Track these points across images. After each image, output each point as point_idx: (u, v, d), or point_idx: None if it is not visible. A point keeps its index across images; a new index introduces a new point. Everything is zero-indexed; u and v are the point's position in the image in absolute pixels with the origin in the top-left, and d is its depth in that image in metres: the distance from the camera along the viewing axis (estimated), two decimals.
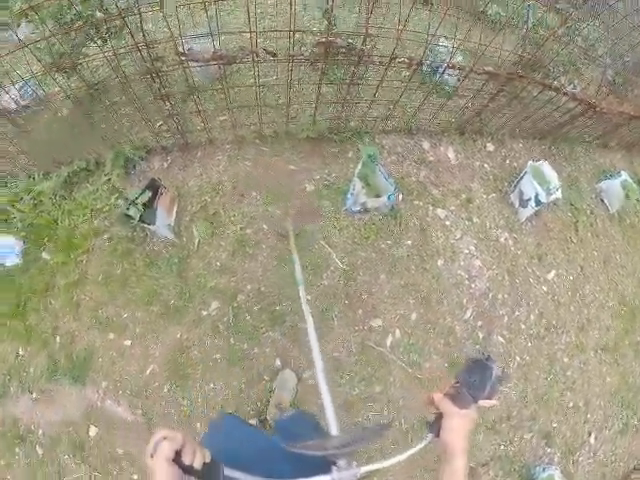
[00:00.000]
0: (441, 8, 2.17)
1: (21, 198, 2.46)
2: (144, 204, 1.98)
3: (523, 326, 2.27)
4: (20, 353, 2.33)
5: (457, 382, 0.71)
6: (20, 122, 2.24)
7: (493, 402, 0.69)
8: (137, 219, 1.98)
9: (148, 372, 2.10)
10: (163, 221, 2.07)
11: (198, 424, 2.03)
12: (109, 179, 2.32)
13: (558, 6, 2.20)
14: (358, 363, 2.01)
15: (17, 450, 2.29)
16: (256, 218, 2.12)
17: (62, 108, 2.42)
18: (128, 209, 2.00)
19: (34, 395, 2.28)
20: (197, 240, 2.12)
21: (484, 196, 2.22)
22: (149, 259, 2.16)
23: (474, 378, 0.69)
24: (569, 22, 1.92)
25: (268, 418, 1.90)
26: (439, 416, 0.70)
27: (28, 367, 2.31)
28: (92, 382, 2.18)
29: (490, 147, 2.28)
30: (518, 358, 2.26)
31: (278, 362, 2.00)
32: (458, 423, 0.67)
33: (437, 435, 0.70)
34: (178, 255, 2.12)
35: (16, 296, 2.36)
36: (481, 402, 0.69)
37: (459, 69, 2.00)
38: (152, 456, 0.58)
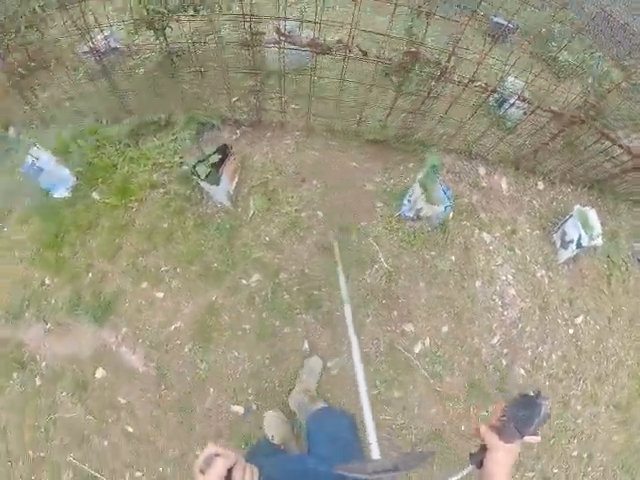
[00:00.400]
0: (517, 49, 2.33)
1: (85, 137, 2.53)
2: (212, 164, 2.04)
3: (545, 364, 2.29)
4: (46, 282, 2.34)
5: (504, 416, 0.71)
6: (105, 65, 2.33)
7: (537, 438, 0.69)
8: (202, 177, 2.04)
9: (173, 328, 2.10)
10: (224, 186, 2.12)
11: (211, 389, 2.01)
12: (176, 138, 2.40)
13: (625, 62, 2.36)
14: (384, 363, 2.01)
15: (14, 375, 2.26)
16: (312, 204, 2.18)
17: (146, 63, 2.54)
18: (195, 166, 2.06)
19: (48, 325, 2.27)
20: (252, 212, 2.17)
21: (528, 230, 2.30)
22: (200, 220, 2.20)
23: (523, 413, 0.68)
24: (633, 79, 2.06)
25: (292, 407, 1.87)
26: (482, 448, 0.71)
27: (50, 297, 2.31)
28: (112, 325, 2.17)
29: (541, 186, 2.38)
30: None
31: (306, 345, 2.00)
32: (502, 457, 0.67)
33: (478, 467, 0.70)
34: (230, 222, 2.17)
35: (56, 227, 2.39)
36: (526, 437, 0.68)
37: (528, 103, 2.14)
38: (202, 471, 0.58)
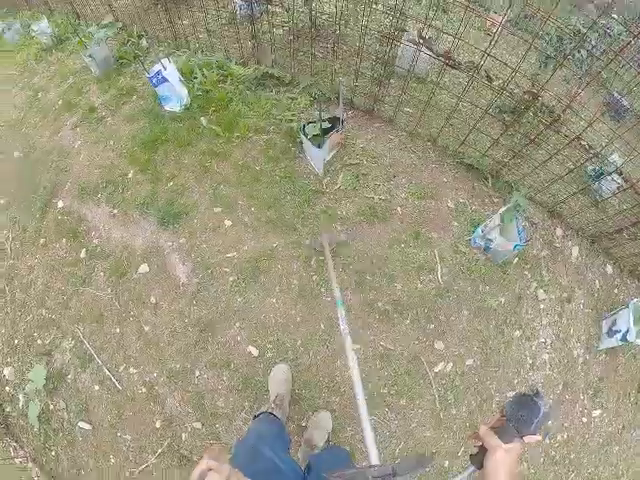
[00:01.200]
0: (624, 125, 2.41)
1: (212, 69, 2.73)
2: (321, 129, 2.18)
3: (547, 440, 2.24)
4: (128, 176, 2.51)
5: (503, 415, 0.71)
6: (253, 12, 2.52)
7: (537, 437, 0.68)
8: (309, 137, 2.18)
9: (227, 256, 2.20)
10: (323, 153, 2.25)
11: (237, 324, 2.08)
12: (294, 97, 2.57)
13: None
14: (403, 367, 2.03)
15: (63, 240, 2.42)
16: (395, 199, 2.28)
17: (290, 23, 2.72)
18: (305, 125, 2.21)
19: (115, 211, 2.43)
20: (338, 185, 2.28)
21: (581, 305, 2.31)
22: (290, 174, 2.33)
23: (522, 413, 0.68)
24: None
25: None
26: (482, 448, 0.70)
27: (127, 189, 2.47)
28: (173, 232, 2.30)
29: (609, 269, 2.39)
30: (525, 465, 2.22)
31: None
32: (503, 457, 0.67)
33: (479, 468, 0.70)
34: (315, 186, 2.29)
35: (157, 133, 2.58)
36: (526, 437, 0.68)
37: (624, 180, 2.19)
38: None
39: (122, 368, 2.15)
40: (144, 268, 2.24)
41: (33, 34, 3.62)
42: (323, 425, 1.86)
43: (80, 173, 2.63)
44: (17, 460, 2.27)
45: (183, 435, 1.96)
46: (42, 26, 3.54)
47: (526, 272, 2.28)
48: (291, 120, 2.46)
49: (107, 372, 2.15)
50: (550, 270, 2.30)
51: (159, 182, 2.42)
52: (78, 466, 2.09)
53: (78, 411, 2.13)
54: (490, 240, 2.14)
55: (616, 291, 2.37)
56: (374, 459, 0.83)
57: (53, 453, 2.15)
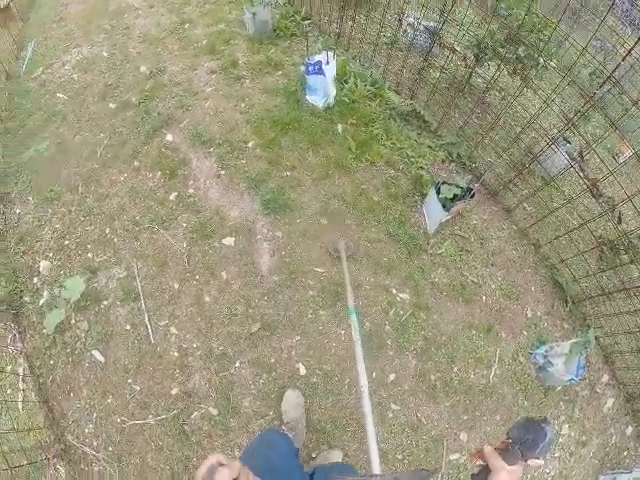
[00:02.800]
0: None
1: (365, 81, 2.73)
2: (454, 194, 2.17)
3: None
4: (248, 145, 2.50)
5: (509, 438, 0.71)
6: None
7: (540, 462, 0.68)
8: (439, 194, 2.16)
9: (317, 270, 2.16)
10: (442, 214, 2.23)
11: (297, 337, 2.02)
12: (435, 147, 2.58)
13: None
14: (423, 443, 1.95)
15: (159, 174, 2.33)
16: (485, 287, 2.25)
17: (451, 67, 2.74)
18: (441, 183, 2.20)
19: (222, 172, 2.45)
20: (441, 251, 2.26)
21: (592, 454, 2.18)
22: (402, 219, 2.32)
23: (528, 437, 0.68)
24: None
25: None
26: (484, 469, 0.71)
27: (242, 157, 2.49)
28: (273, 222, 2.30)
29: (629, 431, 2.32)
30: None
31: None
32: (506, 478, 0.67)
33: None
34: (421, 242, 2.26)
35: (291, 119, 2.56)
36: (530, 461, 0.68)
37: None
38: None
39: (163, 323, 2.06)
40: (229, 241, 2.18)
41: None
42: (333, 461, 1.80)
43: (201, 118, 2.59)
44: (10, 348, 2.17)
45: (195, 413, 1.87)
46: None
47: (562, 403, 2.25)
48: (422, 168, 2.45)
49: (146, 319, 2.06)
50: (582, 410, 2.28)
51: (277, 166, 2.38)
52: (70, 387, 1.99)
53: (98, 339, 2.04)
54: (550, 363, 2.12)
55: (625, 453, 2.35)
56: (376, 469, 0.84)
57: (51, 362, 2.06)
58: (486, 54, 2.46)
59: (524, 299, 2.34)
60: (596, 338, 2.35)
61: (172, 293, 2.11)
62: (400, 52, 3.00)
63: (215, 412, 1.87)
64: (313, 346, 2.01)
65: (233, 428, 1.84)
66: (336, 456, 1.83)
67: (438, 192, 2.19)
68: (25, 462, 1.83)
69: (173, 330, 2.05)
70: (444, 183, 2.21)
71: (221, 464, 0.58)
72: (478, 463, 0.73)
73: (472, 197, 2.25)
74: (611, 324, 2.32)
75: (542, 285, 2.41)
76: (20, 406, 2.03)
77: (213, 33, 3.11)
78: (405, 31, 2.97)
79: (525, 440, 0.68)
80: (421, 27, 2.85)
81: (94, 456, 1.85)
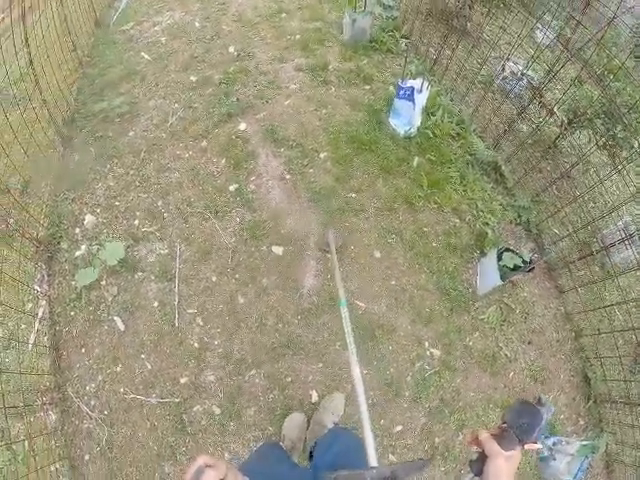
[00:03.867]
0: None
1: (452, 119, 2.60)
2: (515, 264, 2.03)
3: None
4: (320, 155, 2.43)
5: (504, 423, 0.69)
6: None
7: (538, 445, 0.68)
8: (500, 262, 2.03)
9: (357, 302, 2.04)
10: (497, 280, 2.08)
11: (320, 364, 1.92)
12: (502, 205, 2.42)
13: None
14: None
15: (223, 161, 2.26)
16: (516, 363, 2.08)
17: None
18: (504, 250, 2.07)
19: (288, 177, 2.38)
20: (484, 317, 2.11)
21: None
22: (454, 273, 2.18)
23: (523, 420, 0.67)
24: None
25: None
26: (482, 455, 0.69)
27: (311, 166, 2.45)
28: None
29: None
30: None
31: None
32: (503, 464, 0.65)
33: (479, 474, 0.68)
34: (465, 302, 2.11)
35: (369, 138, 2.44)
36: (527, 445, 0.67)
37: None
38: None
39: (191, 311, 2.00)
40: (278, 250, 2.09)
41: None
42: (334, 407, 1.80)
43: (279, 114, 2.51)
44: (36, 288, 2.16)
45: (197, 406, 1.82)
46: None
47: None
48: (488, 224, 2.30)
49: (176, 302, 2.01)
50: None
51: (344, 185, 2.28)
52: (84, 343, 1.97)
53: (123, 308, 2.01)
54: (554, 458, 1.96)
55: None
56: (373, 461, 0.84)
57: (72, 314, 2.04)
58: (580, 121, 2.31)
59: (549, 385, 2.18)
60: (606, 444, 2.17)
61: (208, 285, 2.05)
62: (494, 96, 2.84)
63: (217, 411, 1.81)
64: (332, 378, 1.91)
65: (230, 431, 1.78)
66: (338, 399, 1.82)
67: (499, 258, 2.06)
68: (21, 404, 1.82)
69: (199, 321, 1.98)
70: (507, 250, 2.07)
71: (208, 465, 0.59)
72: (475, 449, 0.71)
73: (530, 271, 2.11)
74: (624, 433, 2.14)
75: (571, 375, 2.23)
76: (30, 347, 2.01)
77: (308, 30, 3.03)
78: (505, 77, 2.82)
79: (521, 424, 0.67)
80: (524, 80, 2.69)
81: (88, 414, 1.84)
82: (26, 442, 1.82)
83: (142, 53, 2.99)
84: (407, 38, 3.07)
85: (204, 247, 2.12)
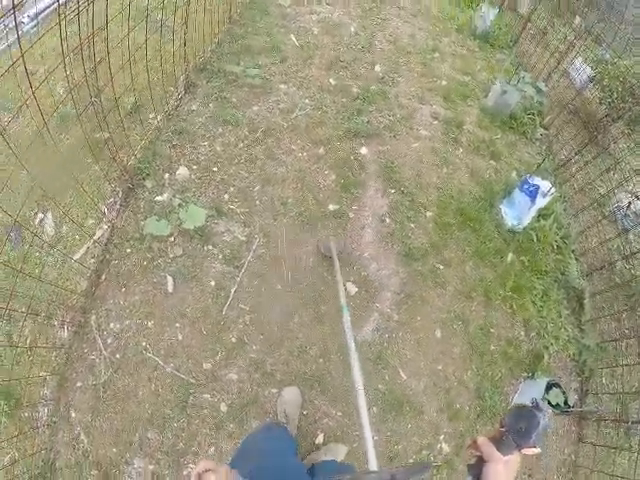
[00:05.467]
0: None
1: (559, 230, 2.48)
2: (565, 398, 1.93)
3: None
4: (427, 215, 2.31)
5: (502, 427, 0.68)
6: None
7: (537, 450, 0.66)
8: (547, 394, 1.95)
9: (400, 372, 1.95)
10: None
11: (339, 413, 1.84)
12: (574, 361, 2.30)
13: None
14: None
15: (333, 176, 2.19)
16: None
17: None
18: (552, 384, 1.95)
19: (387, 220, 2.21)
20: None
21: None
22: (498, 386, 2.07)
23: (521, 425, 0.66)
24: None
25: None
26: (480, 460, 0.68)
27: (412, 219, 2.30)
28: (396, 303, 2.07)
29: None
30: None
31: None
32: (501, 469, 0.65)
33: (477, 478, 0.67)
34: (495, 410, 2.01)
35: (475, 217, 2.36)
36: (525, 449, 0.66)
37: None
38: None
39: (243, 307, 1.95)
40: (351, 287, 2.03)
41: None
42: (334, 455, 1.76)
43: (402, 154, 2.45)
44: (104, 209, 2.15)
45: (206, 395, 1.77)
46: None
47: None
48: (547, 349, 2.17)
49: (232, 291, 1.97)
50: None
51: (435, 253, 2.19)
52: (126, 284, 1.95)
53: (180, 272, 1.98)
54: None
55: None
56: (373, 466, 0.84)
57: (127, 251, 2.04)
58: None
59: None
60: None
61: (269, 290, 2.00)
62: (607, 225, 2.71)
63: (224, 409, 1.75)
64: (343, 429, 1.82)
65: (226, 432, 1.73)
66: (341, 450, 1.78)
67: (546, 390, 1.98)
68: (43, 314, 1.83)
69: (247, 319, 1.94)
70: (557, 386, 2.01)
71: (209, 470, 0.61)
72: (474, 454, 0.70)
73: (565, 413, 2.02)
74: None
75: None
76: (73, 260, 2.00)
77: (455, 80, 2.95)
78: (627, 215, 2.68)
79: (518, 429, 0.66)
80: None
81: (100, 349, 1.82)
82: (28, 340, 1.82)
83: (291, 35, 2.98)
84: (546, 129, 2.97)
85: (281, 252, 2.08)
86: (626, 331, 2.54)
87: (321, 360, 1.92)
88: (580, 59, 3.34)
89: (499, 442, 0.67)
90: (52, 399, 1.73)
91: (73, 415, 1.70)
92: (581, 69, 3.38)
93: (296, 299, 1.99)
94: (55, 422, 1.70)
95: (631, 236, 2.69)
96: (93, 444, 1.65)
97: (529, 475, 2.09)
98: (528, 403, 0.68)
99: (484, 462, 0.67)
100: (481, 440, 0.69)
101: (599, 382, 2.36)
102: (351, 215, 2.18)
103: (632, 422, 2.18)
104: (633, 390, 2.21)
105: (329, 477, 0.71)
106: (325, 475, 1.18)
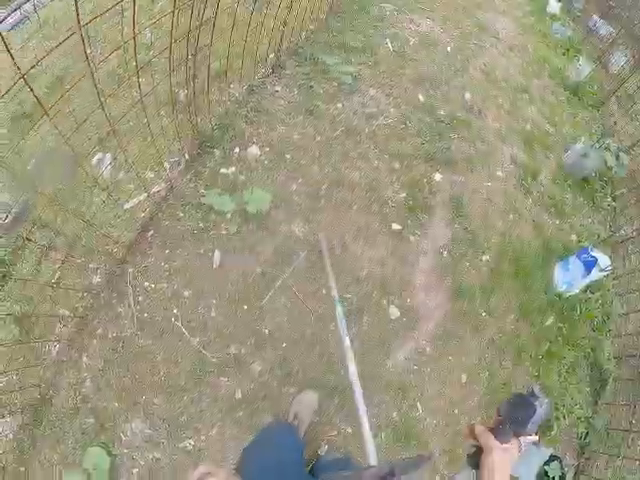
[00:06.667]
0: None
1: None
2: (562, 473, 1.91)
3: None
4: (482, 258, 2.26)
5: (499, 415, 0.68)
6: None
7: (534, 438, 0.68)
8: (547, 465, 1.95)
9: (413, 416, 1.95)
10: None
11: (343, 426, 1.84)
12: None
13: None
14: None
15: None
16: None
17: None
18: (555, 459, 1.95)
19: (445, 254, 2.19)
20: None
21: None
22: None
23: (518, 413, 0.66)
24: None
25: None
26: (479, 449, 0.68)
27: (473, 267, 2.22)
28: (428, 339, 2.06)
29: None
30: None
31: None
32: (499, 457, 0.65)
33: (475, 467, 0.68)
34: None
35: (531, 272, 2.32)
36: (522, 438, 0.67)
37: None
38: None
39: (283, 301, 1.94)
40: (394, 312, 2.01)
41: None
42: (308, 403, 1.77)
43: (471, 191, 2.40)
44: (166, 164, 2.16)
45: (225, 378, 1.76)
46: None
47: None
48: (558, 419, 2.15)
49: (277, 285, 1.95)
50: None
51: (483, 297, 2.13)
52: (172, 247, 1.95)
53: (229, 250, 1.98)
54: None
55: None
56: (372, 460, 0.84)
57: (180, 215, 2.04)
58: None
59: None
60: None
61: (315, 291, 1.98)
62: None
63: (238, 396, 1.74)
64: (350, 448, 1.79)
65: (234, 417, 1.71)
66: (311, 397, 1.77)
67: (548, 461, 1.98)
68: (81, 260, 1.83)
69: (284, 316, 1.92)
70: (557, 459, 2.00)
71: (208, 473, 0.61)
72: (473, 443, 0.70)
73: None
74: None
75: None
76: (126, 206, 2.00)
77: (540, 128, 2.88)
78: None
79: (515, 417, 0.66)
80: None
81: (129, 304, 1.82)
82: (57, 275, 1.80)
83: (387, 40, 2.92)
84: (614, 200, 2.90)
85: (332, 256, 2.06)
86: (634, 422, 2.51)
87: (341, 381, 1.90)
88: None
89: (496, 431, 0.67)
90: (67, 339, 1.73)
91: (84, 360, 1.70)
92: None
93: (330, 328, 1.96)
94: (64, 361, 1.70)
95: None
96: (97, 393, 1.65)
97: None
98: (524, 391, 0.69)
99: (482, 451, 0.67)
100: (478, 429, 0.69)
101: (597, 466, 2.34)
102: (412, 239, 2.16)
103: None
104: None
105: (331, 474, 0.70)
106: (326, 472, 1.18)
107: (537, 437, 0.68)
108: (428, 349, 2.03)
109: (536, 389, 0.68)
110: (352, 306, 1.98)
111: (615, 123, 3.27)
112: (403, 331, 2.00)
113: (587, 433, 2.31)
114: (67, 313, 1.77)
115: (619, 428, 2.35)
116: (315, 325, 1.93)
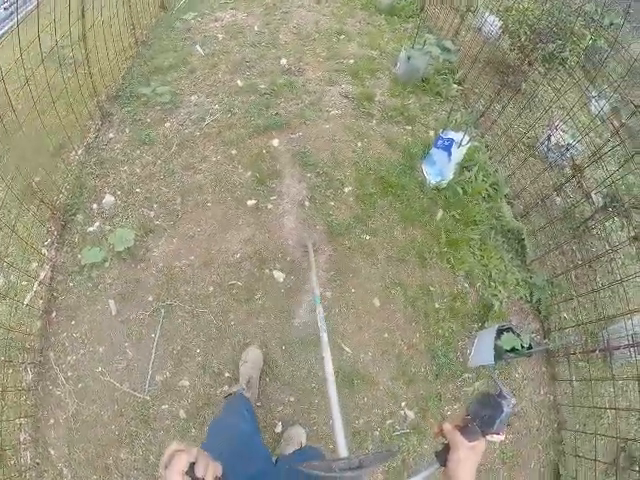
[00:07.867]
0: None
1: (486, 178, 2.52)
2: (520, 341, 1.95)
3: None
4: (344, 190, 2.34)
5: (468, 415, 0.70)
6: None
7: (501, 437, 0.68)
8: (499, 339, 1.96)
9: (343, 344, 1.99)
10: (489, 359, 2.00)
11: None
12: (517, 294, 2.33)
13: None
14: None
15: (249, 174, 2.22)
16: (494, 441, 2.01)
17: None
18: (504, 330, 1.98)
19: (307, 204, 2.24)
20: (469, 389, 2.02)
21: None
22: (449, 337, 2.10)
23: (485, 412, 0.68)
24: None
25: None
26: (447, 446, 0.70)
27: (332, 197, 2.32)
28: (330, 280, 2.10)
29: None
30: None
31: None
32: (465, 455, 0.67)
33: (443, 464, 0.70)
34: (454, 367, 2.04)
35: (397, 182, 2.39)
36: (489, 436, 0.68)
37: None
38: (166, 467, 0.61)
39: (181, 314, 1.99)
40: (279, 276, 2.06)
41: None
42: (296, 440, 1.78)
43: (314, 138, 2.49)
44: (43, 251, 2.19)
45: (164, 406, 1.81)
46: None
47: None
48: (496, 296, 2.22)
49: (167, 303, 2.00)
50: None
51: (361, 224, 2.23)
52: (75, 316, 1.99)
53: (119, 293, 2.02)
54: None
55: None
56: (342, 451, 0.85)
57: (70, 285, 2.08)
58: (616, 208, 2.22)
59: (516, 472, 2.06)
60: None
61: (203, 293, 2.03)
62: (534, 163, 2.75)
63: (183, 415, 1.79)
64: (300, 414, 1.87)
65: (190, 437, 1.76)
66: (301, 434, 1.80)
67: (498, 336, 1.97)
68: (2, 358, 1.86)
69: (187, 327, 1.97)
70: (509, 330, 1.99)
71: (180, 450, 0.62)
72: (441, 441, 0.72)
73: (528, 356, 2.03)
74: None
75: (541, 467, 2.11)
76: (24, 305, 2.04)
77: (363, 57, 3.00)
78: (550, 149, 2.73)
79: (482, 416, 0.68)
80: (569, 153, 2.60)
81: (62, 383, 1.86)
82: None
83: (197, 46, 3.03)
84: (460, 84, 3.01)
85: (207, 256, 2.12)
86: (579, 262, 2.58)
87: (264, 349, 1.95)
88: (490, 15, 3.40)
89: (464, 429, 0.69)
90: (31, 441, 1.77)
91: (52, 452, 1.74)
92: (493, 23, 3.43)
93: (229, 298, 2.02)
94: (38, 463, 1.73)
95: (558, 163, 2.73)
96: (76, 477, 1.69)
97: (508, 424, 2.11)
98: (492, 391, 0.70)
99: (450, 449, 0.69)
100: (447, 427, 0.71)
101: (563, 317, 2.40)
102: (270, 206, 2.22)
103: (599, 350, 2.21)
104: (596, 318, 2.23)
105: (296, 464, 0.72)
106: (293, 462, 1.18)
107: (504, 436, 0.69)
108: (328, 294, 2.08)
109: (504, 390, 0.69)
110: (241, 290, 2.04)
111: (437, 20, 3.42)
112: (296, 289, 2.05)
113: (532, 293, 2.37)
114: (21, 419, 1.79)
115: (558, 273, 2.41)
116: (216, 320, 1.98)
